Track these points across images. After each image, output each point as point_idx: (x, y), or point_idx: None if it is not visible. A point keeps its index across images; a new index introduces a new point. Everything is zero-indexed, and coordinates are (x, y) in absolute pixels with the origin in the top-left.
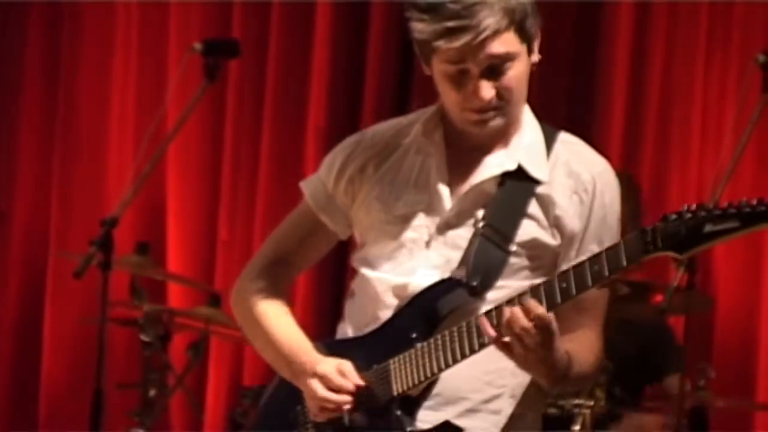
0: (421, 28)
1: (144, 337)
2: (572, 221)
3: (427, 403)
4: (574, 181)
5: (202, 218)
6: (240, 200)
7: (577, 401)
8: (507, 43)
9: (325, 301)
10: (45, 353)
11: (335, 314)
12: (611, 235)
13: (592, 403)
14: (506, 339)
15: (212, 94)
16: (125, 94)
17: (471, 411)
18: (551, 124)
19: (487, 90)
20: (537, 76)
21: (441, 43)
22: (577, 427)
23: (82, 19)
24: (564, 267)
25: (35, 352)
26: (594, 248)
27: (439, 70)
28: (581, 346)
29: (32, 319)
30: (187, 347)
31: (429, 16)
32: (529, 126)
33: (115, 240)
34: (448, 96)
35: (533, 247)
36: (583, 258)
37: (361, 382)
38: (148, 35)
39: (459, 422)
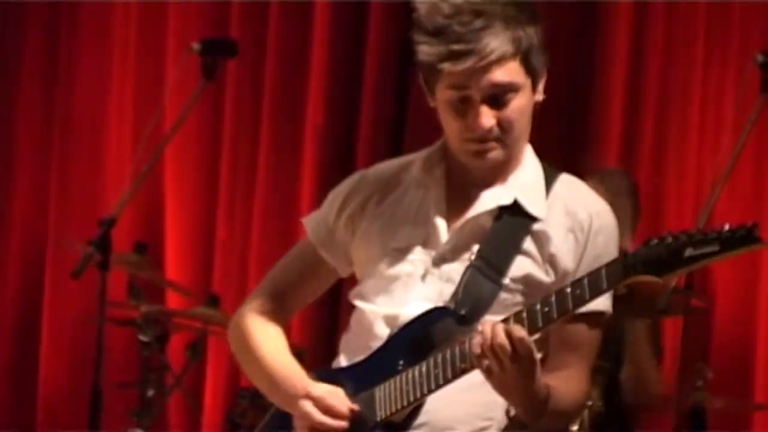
0: (426, 50)
1: (142, 338)
2: (566, 258)
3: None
4: (570, 219)
5: (200, 218)
6: (238, 200)
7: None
8: (511, 72)
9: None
10: (43, 353)
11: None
12: None
13: (590, 403)
14: (485, 359)
15: (210, 94)
16: (123, 94)
17: None
18: (550, 125)
19: (488, 118)
20: None
21: (445, 66)
22: (575, 428)
23: (80, 18)
24: None
25: (33, 351)
26: None
27: (442, 98)
28: (566, 384)
29: (30, 319)
30: (186, 347)
31: (435, 38)
32: (529, 164)
33: (113, 240)
34: (450, 125)
35: (526, 284)
36: None
37: (354, 407)
38: (146, 35)
39: None
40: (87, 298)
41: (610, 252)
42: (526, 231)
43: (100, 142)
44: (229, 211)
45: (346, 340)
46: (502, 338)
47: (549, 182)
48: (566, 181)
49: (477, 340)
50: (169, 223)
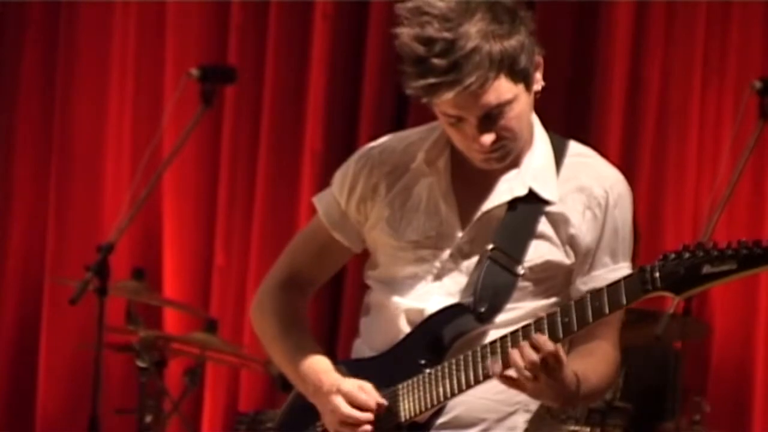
0: (409, 83)
1: (140, 363)
2: (586, 238)
3: (443, 430)
4: (586, 196)
5: (198, 244)
6: (236, 226)
7: (574, 428)
8: (498, 91)
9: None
10: (41, 378)
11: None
12: (624, 246)
13: (588, 430)
14: (512, 373)
15: (208, 120)
16: (121, 120)
17: (486, 431)
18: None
19: (487, 136)
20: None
21: (427, 100)
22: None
23: (78, 44)
24: (577, 282)
25: (31, 377)
26: (607, 260)
27: (438, 112)
28: (594, 359)
29: (28, 345)
30: (184, 373)
31: (415, 70)
32: (539, 142)
33: (111, 265)
34: (451, 135)
35: (545, 269)
36: (596, 272)
37: (381, 400)
38: (144, 61)
39: None
40: (85, 323)
41: (627, 221)
42: (541, 214)
43: (98, 168)
44: (227, 237)
45: (366, 326)
46: (530, 354)
47: (559, 157)
48: (576, 153)
49: (503, 351)
50: (167, 249)
